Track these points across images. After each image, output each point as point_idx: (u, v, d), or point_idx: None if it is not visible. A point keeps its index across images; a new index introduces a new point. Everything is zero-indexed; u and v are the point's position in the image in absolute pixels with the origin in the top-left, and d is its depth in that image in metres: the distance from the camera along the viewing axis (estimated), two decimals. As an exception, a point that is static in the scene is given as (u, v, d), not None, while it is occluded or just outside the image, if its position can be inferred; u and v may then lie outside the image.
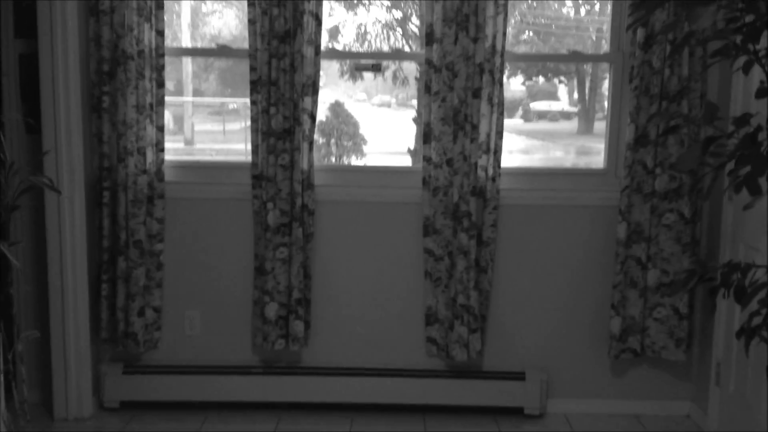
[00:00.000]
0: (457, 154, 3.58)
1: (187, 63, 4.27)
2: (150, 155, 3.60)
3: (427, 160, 3.63)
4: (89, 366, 3.66)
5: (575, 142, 4.64)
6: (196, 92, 4.53)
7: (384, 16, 4.02)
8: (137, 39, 3.48)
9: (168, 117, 4.14)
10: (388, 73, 4.32)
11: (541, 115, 4.36)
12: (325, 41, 3.75)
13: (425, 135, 3.61)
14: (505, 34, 3.49)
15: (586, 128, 4.57)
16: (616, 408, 3.84)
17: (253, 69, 3.55)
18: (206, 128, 4.97)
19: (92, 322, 3.69)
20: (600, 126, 4.19)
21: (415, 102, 3.98)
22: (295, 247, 3.61)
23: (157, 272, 3.70)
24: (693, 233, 3.59)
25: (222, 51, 3.86)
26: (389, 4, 4.04)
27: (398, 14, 4.10)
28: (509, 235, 3.75)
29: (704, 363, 3.72)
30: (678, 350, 3.65)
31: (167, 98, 3.63)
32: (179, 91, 4.32)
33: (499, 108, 3.57)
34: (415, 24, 4.08)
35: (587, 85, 4.59)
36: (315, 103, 3.57)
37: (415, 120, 3.97)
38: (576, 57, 3.92)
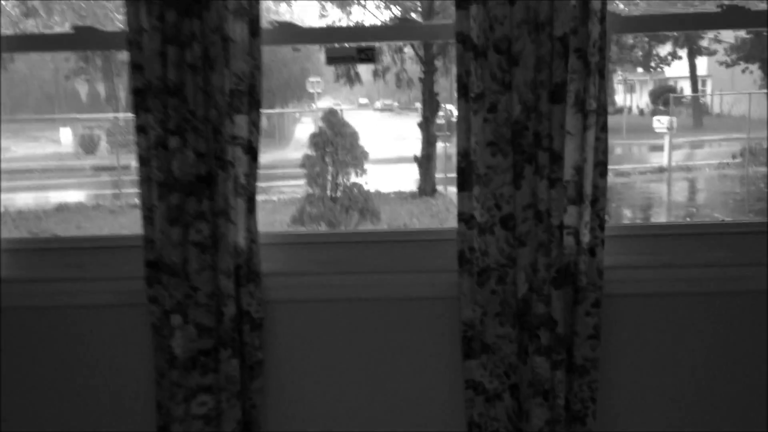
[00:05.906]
0: (522, 208, 1.92)
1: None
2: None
3: (465, 219, 1.96)
4: None
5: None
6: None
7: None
8: None
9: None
10: (390, 76, 3.43)
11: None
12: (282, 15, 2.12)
13: (462, 173, 1.95)
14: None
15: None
16: None
17: (137, 67, 1.90)
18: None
19: None
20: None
21: (418, 105, 3.36)
22: (227, 394, 1.93)
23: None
24: None
25: (81, 37, 2.16)
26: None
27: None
28: (621, 352, 2.07)
29: None
30: None
31: None
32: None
33: (600, 119, 1.91)
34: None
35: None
36: (256, 125, 1.93)
37: (420, 125, 3.55)
38: (733, 12, 2.13)
